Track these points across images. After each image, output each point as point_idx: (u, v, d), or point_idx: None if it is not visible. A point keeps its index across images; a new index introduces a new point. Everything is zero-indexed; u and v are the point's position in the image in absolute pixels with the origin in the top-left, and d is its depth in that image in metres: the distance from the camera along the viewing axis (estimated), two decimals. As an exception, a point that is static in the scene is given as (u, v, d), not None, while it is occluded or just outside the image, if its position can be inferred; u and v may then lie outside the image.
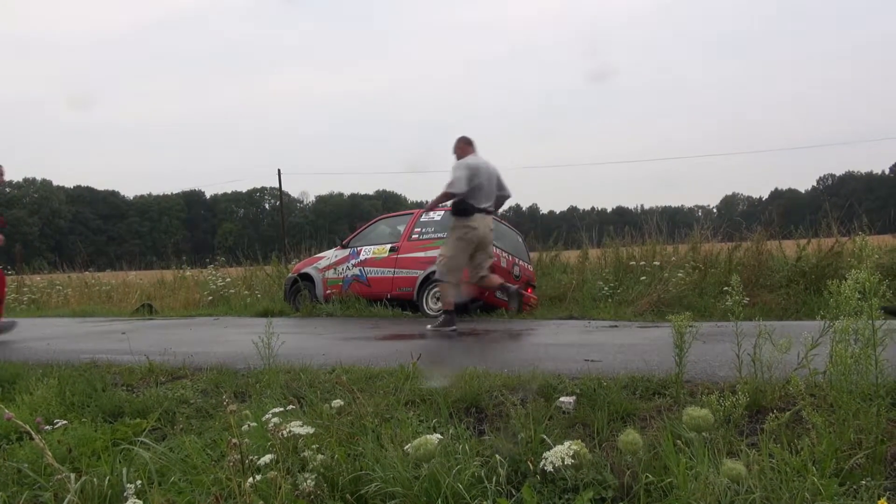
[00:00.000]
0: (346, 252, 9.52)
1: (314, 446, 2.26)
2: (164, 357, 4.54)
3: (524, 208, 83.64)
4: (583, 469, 1.92)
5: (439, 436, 2.10)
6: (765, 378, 2.73)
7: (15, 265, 16.74)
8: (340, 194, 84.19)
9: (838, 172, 74.87)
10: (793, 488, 1.83)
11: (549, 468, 1.85)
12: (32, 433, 2.02)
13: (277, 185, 41.49)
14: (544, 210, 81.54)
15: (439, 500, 1.96)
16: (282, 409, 2.53)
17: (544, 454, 1.94)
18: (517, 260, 9.19)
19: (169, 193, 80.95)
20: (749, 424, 2.56)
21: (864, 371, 2.10)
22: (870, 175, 66.64)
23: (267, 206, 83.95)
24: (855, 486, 1.90)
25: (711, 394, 2.43)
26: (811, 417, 2.09)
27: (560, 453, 1.84)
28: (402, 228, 9.29)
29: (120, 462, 2.39)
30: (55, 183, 76.36)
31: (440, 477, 1.99)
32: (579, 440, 1.96)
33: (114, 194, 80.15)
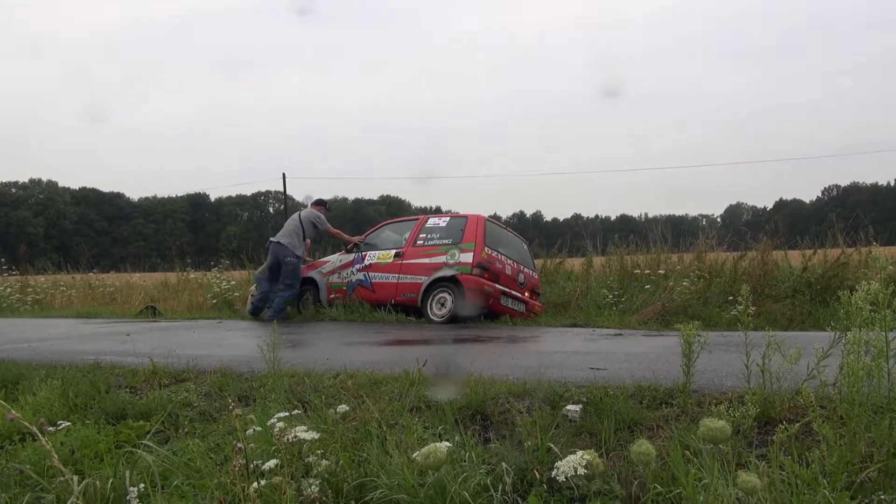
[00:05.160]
0: (351, 257, 9.52)
1: (319, 451, 2.24)
2: (167, 359, 4.53)
3: (528, 215, 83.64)
4: (594, 479, 1.90)
5: (448, 444, 2.08)
6: (774, 389, 2.70)
7: (20, 265, 16.79)
8: (345, 199, 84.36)
9: (843, 183, 74.52)
10: (803, 501, 1.80)
11: (561, 478, 1.83)
12: (37, 434, 2.00)
13: (282, 189, 41.56)
14: (548, 217, 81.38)
15: (445, 508, 1.94)
16: (286, 413, 2.51)
17: (556, 464, 1.92)
18: (522, 267, 9.17)
19: (174, 196, 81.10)
20: (758, 436, 2.54)
21: (876, 383, 2.08)
22: (875, 186, 66.27)
23: (271, 209, 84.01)
24: (867, 500, 1.87)
25: (720, 404, 2.40)
26: (822, 429, 2.07)
27: (572, 463, 1.82)
28: (407, 234, 9.29)
29: (123, 465, 2.37)
30: (61, 184, 76.67)
31: (447, 485, 1.97)
32: (592, 450, 1.94)
33: (119, 196, 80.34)
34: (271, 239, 9.43)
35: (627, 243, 11.87)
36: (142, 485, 2.12)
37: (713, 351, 4.47)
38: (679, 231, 12.46)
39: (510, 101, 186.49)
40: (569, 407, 2.87)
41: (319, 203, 9.96)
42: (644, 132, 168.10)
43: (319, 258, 10.43)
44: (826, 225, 10.35)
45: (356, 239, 9.67)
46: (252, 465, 2.00)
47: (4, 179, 74.11)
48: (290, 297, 9.25)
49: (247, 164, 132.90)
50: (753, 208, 75.53)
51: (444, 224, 9.02)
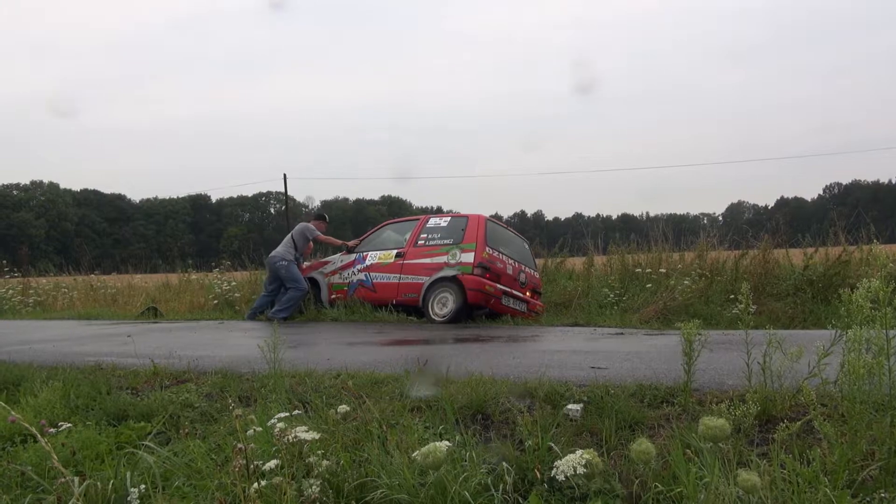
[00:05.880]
0: (352, 257, 9.52)
1: (319, 452, 2.24)
2: (168, 360, 4.53)
3: (529, 215, 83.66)
4: (594, 478, 1.90)
5: (448, 443, 2.08)
6: (775, 387, 2.70)
7: (21, 267, 16.81)
8: (346, 199, 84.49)
9: (845, 181, 74.32)
10: (805, 500, 1.80)
11: (561, 477, 1.83)
12: (38, 436, 2.00)
13: (283, 190, 41.52)
14: (549, 217, 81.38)
15: (446, 507, 1.94)
16: (287, 413, 2.51)
17: (555, 463, 1.91)
18: (523, 267, 9.16)
19: (175, 197, 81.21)
20: (759, 434, 2.53)
21: (877, 381, 2.07)
22: (876, 184, 66.10)
23: (272, 210, 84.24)
24: (868, 499, 1.87)
25: (721, 403, 2.40)
26: (823, 428, 2.06)
27: (572, 462, 1.82)
28: (408, 234, 9.29)
29: (124, 466, 2.37)
30: (62, 186, 76.72)
31: (447, 484, 1.97)
32: (591, 449, 1.93)
33: (120, 198, 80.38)
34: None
35: (629, 242, 11.86)
36: (143, 486, 2.12)
37: (714, 349, 4.46)
38: (680, 230, 12.43)
39: (510, 100, 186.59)
40: (570, 406, 2.87)
41: (319, 217, 10.31)
42: (645, 131, 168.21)
43: (321, 259, 10.44)
44: (827, 223, 10.34)
45: (350, 244, 9.84)
46: (253, 466, 2.00)
47: (6, 181, 74.25)
48: (298, 297, 9.30)
49: (248, 164, 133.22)
50: (755, 207, 75.53)
51: (445, 224, 9.02)
